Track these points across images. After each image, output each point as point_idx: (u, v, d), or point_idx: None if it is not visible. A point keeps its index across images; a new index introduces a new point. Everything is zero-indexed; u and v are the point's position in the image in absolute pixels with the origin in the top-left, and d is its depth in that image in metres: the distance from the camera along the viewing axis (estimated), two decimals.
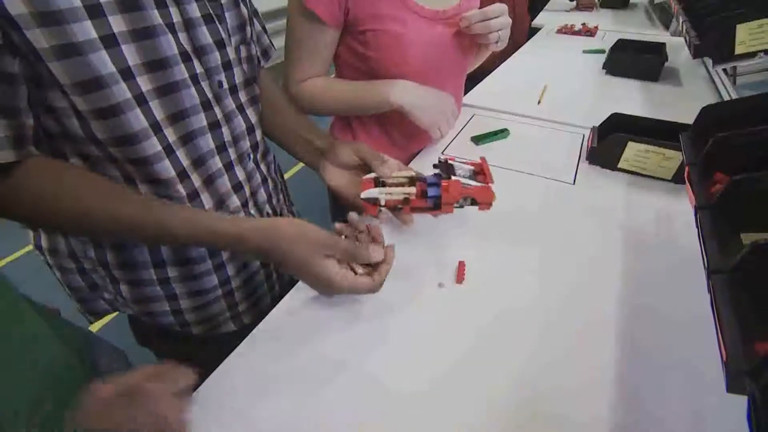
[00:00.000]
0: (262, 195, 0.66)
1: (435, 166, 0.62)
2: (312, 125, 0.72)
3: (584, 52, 1.60)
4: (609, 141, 0.79)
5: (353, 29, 0.75)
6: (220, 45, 0.53)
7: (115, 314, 0.65)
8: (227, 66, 0.55)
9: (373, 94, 0.78)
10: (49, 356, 0.42)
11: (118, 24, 0.42)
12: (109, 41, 0.42)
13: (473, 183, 0.59)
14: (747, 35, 0.83)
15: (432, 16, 0.78)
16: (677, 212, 0.71)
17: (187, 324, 0.64)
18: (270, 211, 0.69)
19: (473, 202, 0.58)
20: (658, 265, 0.61)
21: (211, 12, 0.52)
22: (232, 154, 0.58)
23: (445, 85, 0.84)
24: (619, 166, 0.80)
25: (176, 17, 0.48)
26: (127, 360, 0.61)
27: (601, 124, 0.88)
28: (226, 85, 0.56)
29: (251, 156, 0.63)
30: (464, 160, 0.63)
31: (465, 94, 1.16)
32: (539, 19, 2.21)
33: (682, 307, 0.54)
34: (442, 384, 0.46)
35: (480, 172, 0.61)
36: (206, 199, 0.56)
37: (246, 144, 0.61)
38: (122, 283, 0.58)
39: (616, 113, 0.87)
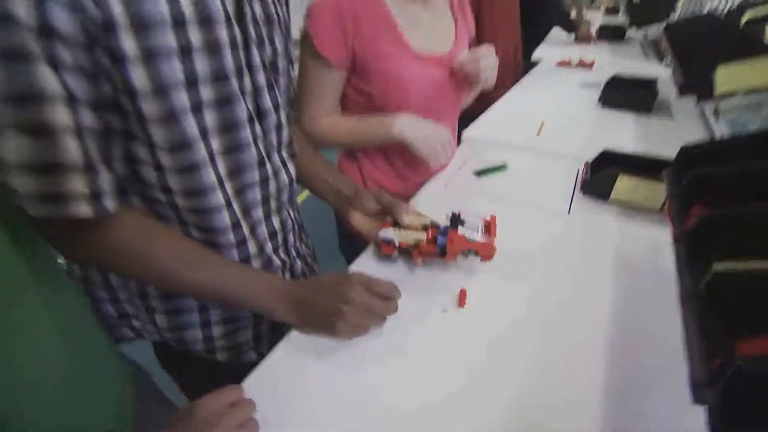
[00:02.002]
0: (291, 239, 0.72)
1: (448, 218, 0.70)
2: (338, 173, 0.81)
3: (581, 86, 1.68)
4: (601, 175, 0.85)
5: (358, 70, 0.84)
6: (276, 109, 0.60)
7: None
8: (279, 128, 0.62)
9: (377, 128, 0.86)
10: (115, 377, 0.48)
11: (207, 93, 0.48)
12: (198, 107, 0.48)
13: (478, 237, 0.66)
14: (726, 76, 0.89)
15: (429, 58, 0.86)
16: (666, 240, 0.76)
17: (214, 350, 0.68)
18: (294, 253, 0.74)
19: (477, 253, 0.65)
20: (648, 291, 0.66)
21: (272, 79, 0.59)
22: (273, 204, 0.64)
23: (442, 119, 0.93)
24: (612, 197, 0.85)
25: (248, 86, 0.54)
26: (154, 384, 0.66)
27: (593, 159, 0.94)
28: (275, 144, 0.62)
29: (286, 206, 0.69)
30: (477, 215, 0.70)
31: (466, 127, 1.24)
32: (539, 53, 2.31)
33: (669, 330, 0.59)
34: (445, 401, 0.51)
35: (487, 226, 0.69)
36: (251, 246, 0.62)
37: (285, 196, 0.67)
38: (159, 312, 0.63)
39: (606, 150, 0.93)
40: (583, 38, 2.59)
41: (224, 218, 0.57)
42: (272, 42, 0.58)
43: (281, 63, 0.62)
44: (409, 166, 0.96)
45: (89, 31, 0.40)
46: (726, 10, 1.40)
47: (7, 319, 0.33)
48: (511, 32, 1.85)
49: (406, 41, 0.83)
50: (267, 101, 0.58)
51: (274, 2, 0.59)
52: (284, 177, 0.65)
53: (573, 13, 3.32)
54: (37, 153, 0.40)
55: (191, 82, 0.47)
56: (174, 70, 0.45)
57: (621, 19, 3.23)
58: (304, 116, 0.87)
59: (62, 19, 0.38)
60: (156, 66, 0.44)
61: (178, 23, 0.44)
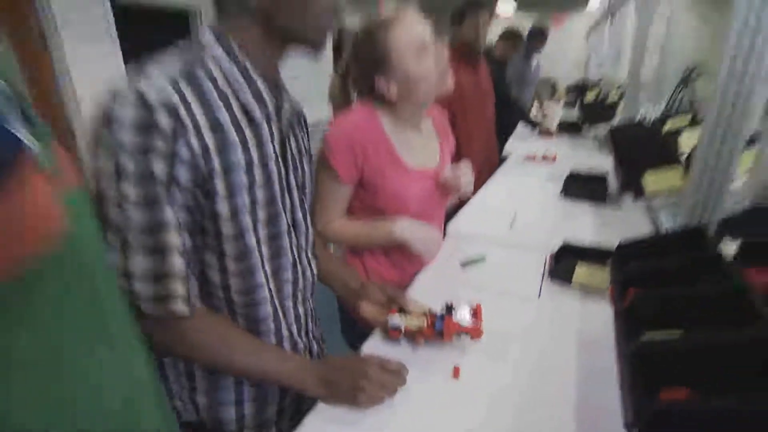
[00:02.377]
0: (310, 324, 0.86)
1: (443, 308, 0.85)
2: (345, 267, 0.98)
3: (546, 179, 1.95)
4: (563, 263, 1.04)
5: (365, 185, 1.04)
6: (305, 219, 0.78)
7: None
8: (307, 234, 0.79)
9: (380, 231, 1.05)
10: None
11: (262, 213, 0.66)
12: (255, 225, 0.65)
13: (468, 322, 0.82)
14: (652, 180, 1.13)
15: (421, 173, 1.08)
16: None
17: (243, 429, 0.78)
18: (311, 336, 0.87)
19: (468, 334, 0.82)
20: (604, 357, 0.81)
21: (302, 196, 0.77)
22: (299, 296, 0.79)
23: (432, 220, 1.14)
24: (573, 282, 1.03)
25: (288, 204, 0.72)
26: None
27: (557, 251, 1.13)
28: (304, 247, 0.79)
29: (308, 297, 0.84)
30: (467, 302, 0.86)
31: (449, 219, 1.44)
32: (508, 147, 2.64)
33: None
34: None
35: (475, 313, 0.85)
36: (284, 331, 0.76)
37: (309, 291, 0.83)
38: (200, 391, 0.74)
39: (566, 242, 1.13)
40: (545, 132, 2.97)
41: (267, 309, 0.72)
42: (303, 168, 0.78)
43: (308, 184, 0.81)
44: (406, 259, 1.14)
45: (197, 180, 0.58)
46: (653, 118, 1.71)
47: (131, 380, 0.46)
48: (486, 134, 2.17)
49: (404, 163, 1.05)
50: (299, 214, 0.76)
51: (302, 138, 0.80)
52: (309, 274, 0.81)
53: (535, 109, 3.79)
54: (155, 267, 0.57)
55: (253, 206, 0.65)
56: (244, 199, 0.63)
57: (578, 112, 3.69)
58: (318, 220, 1.06)
59: (183, 174, 0.57)
60: (234, 198, 0.62)
61: (248, 166, 0.63)
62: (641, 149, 1.35)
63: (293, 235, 0.75)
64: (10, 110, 0.30)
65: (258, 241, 0.67)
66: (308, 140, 0.84)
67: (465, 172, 1.08)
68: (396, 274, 1.16)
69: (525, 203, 1.64)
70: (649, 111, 1.92)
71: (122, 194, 0.54)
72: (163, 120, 0.54)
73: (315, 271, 0.84)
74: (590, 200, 1.62)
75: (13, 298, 0.28)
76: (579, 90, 4.49)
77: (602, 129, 2.68)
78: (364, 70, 1.03)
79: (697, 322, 0.66)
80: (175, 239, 0.58)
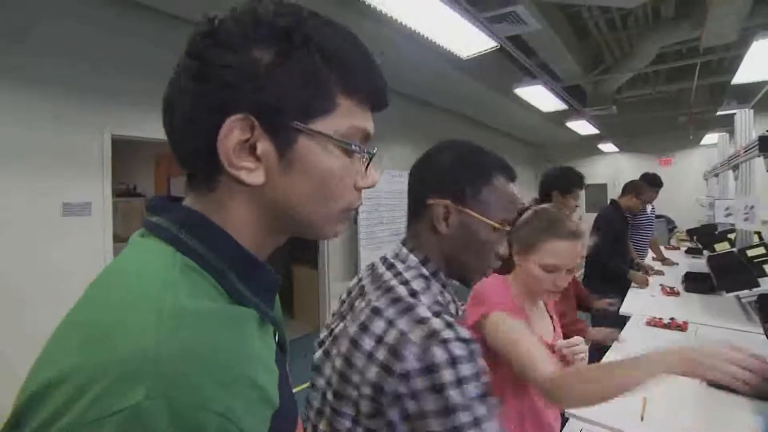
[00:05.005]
0: None
1: None
2: None
3: None
4: None
5: None
6: None
7: None
8: None
9: None
10: None
11: None
12: None
13: None
14: None
15: (543, 342, 1.10)
16: None
17: None
18: None
19: None
20: None
21: None
22: None
23: None
24: None
25: None
26: None
27: None
28: None
29: None
30: None
31: None
32: (627, 307, 2.35)
33: None
34: None
35: None
36: None
37: None
38: None
39: None
40: (669, 291, 2.63)
41: None
42: None
43: None
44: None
45: None
46: None
47: None
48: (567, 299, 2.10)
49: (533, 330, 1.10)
50: None
51: None
52: None
53: (651, 259, 3.50)
54: None
55: None
56: None
57: (707, 264, 3.29)
58: None
59: None
60: None
61: None
62: None
63: None
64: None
65: None
66: None
67: (576, 342, 1.12)
68: None
69: (656, 386, 1.42)
70: None
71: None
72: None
73: None
74: (746, 395, 1.34)
75: None
76: (704, 235, 4.06)
77: (743, 290, 2.32)
78: (517, 245, 1.17)
79: None
80: None
